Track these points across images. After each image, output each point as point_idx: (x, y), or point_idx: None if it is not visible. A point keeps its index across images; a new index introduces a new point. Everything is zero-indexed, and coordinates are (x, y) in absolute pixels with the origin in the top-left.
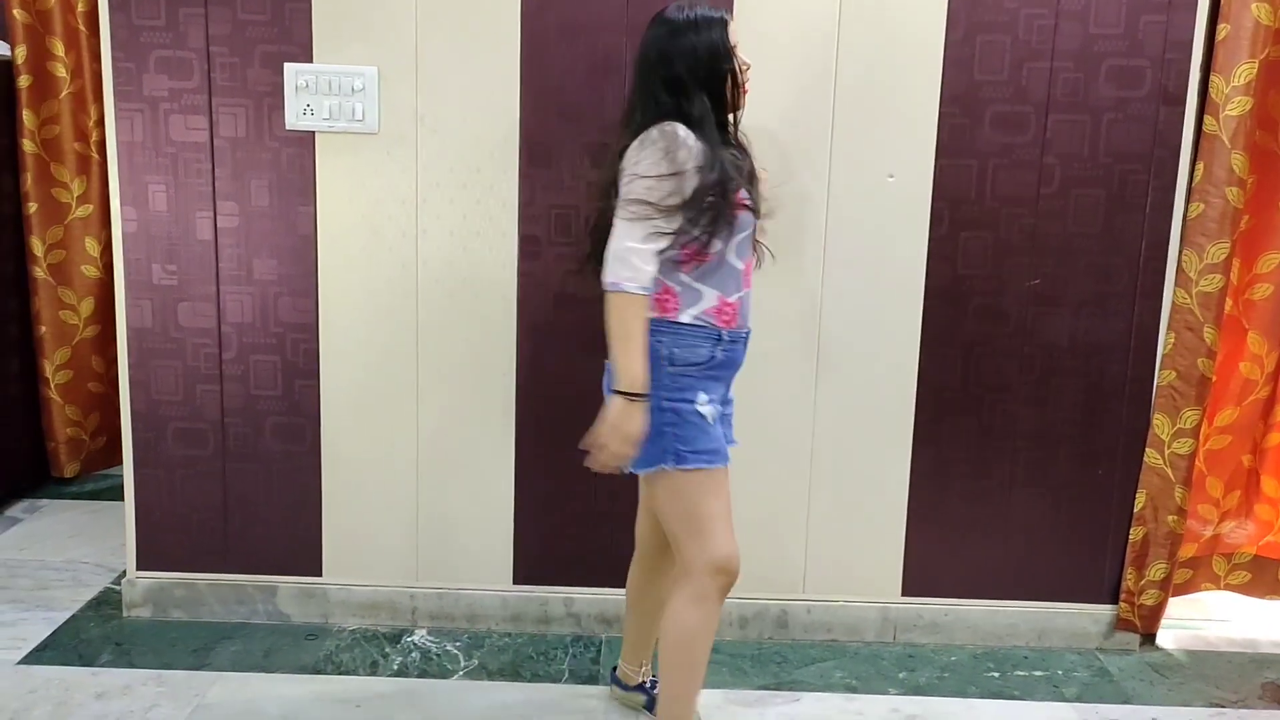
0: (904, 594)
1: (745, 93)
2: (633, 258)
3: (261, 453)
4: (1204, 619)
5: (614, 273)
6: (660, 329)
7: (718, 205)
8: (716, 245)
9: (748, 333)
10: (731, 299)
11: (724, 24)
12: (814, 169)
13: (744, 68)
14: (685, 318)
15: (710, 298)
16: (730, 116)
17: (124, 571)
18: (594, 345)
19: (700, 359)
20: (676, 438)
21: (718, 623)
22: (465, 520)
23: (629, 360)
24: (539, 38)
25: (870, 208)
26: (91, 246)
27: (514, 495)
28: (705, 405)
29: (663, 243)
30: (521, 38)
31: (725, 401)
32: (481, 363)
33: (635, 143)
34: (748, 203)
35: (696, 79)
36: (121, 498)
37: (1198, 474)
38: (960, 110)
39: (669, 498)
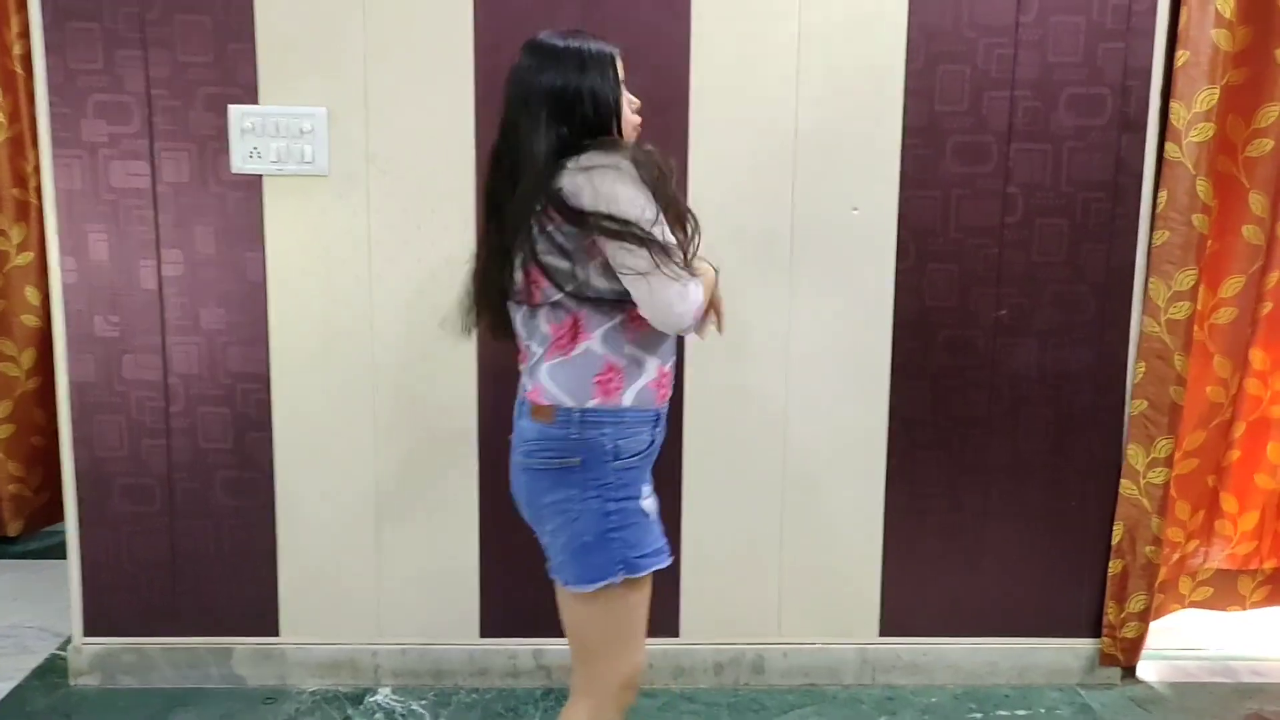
0: (882, 634)
1: (633, 134)
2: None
3: (212, 508)
4: (1182, 648)
5: (685, 306)
6: (604, 419)
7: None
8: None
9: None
10: (668, 366)
11: (606, 43)
12: (777, 203)
13: (633, 107)
14: (628, 399)
15: (651, 369)
16: None
17: (70, 637)
18: None
19: (641, 447)
20: (625, 543)
21: None
22: (428, 572)
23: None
24: (494, 74)
25: (836, 241)
26: (32, 295)
27: (479, 544)
28: (648, 499)
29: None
30: (475, 74)
31: None
32: (441, 409)
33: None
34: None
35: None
36: (67, 556)
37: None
38: (922, 141)
39: (602, 612)
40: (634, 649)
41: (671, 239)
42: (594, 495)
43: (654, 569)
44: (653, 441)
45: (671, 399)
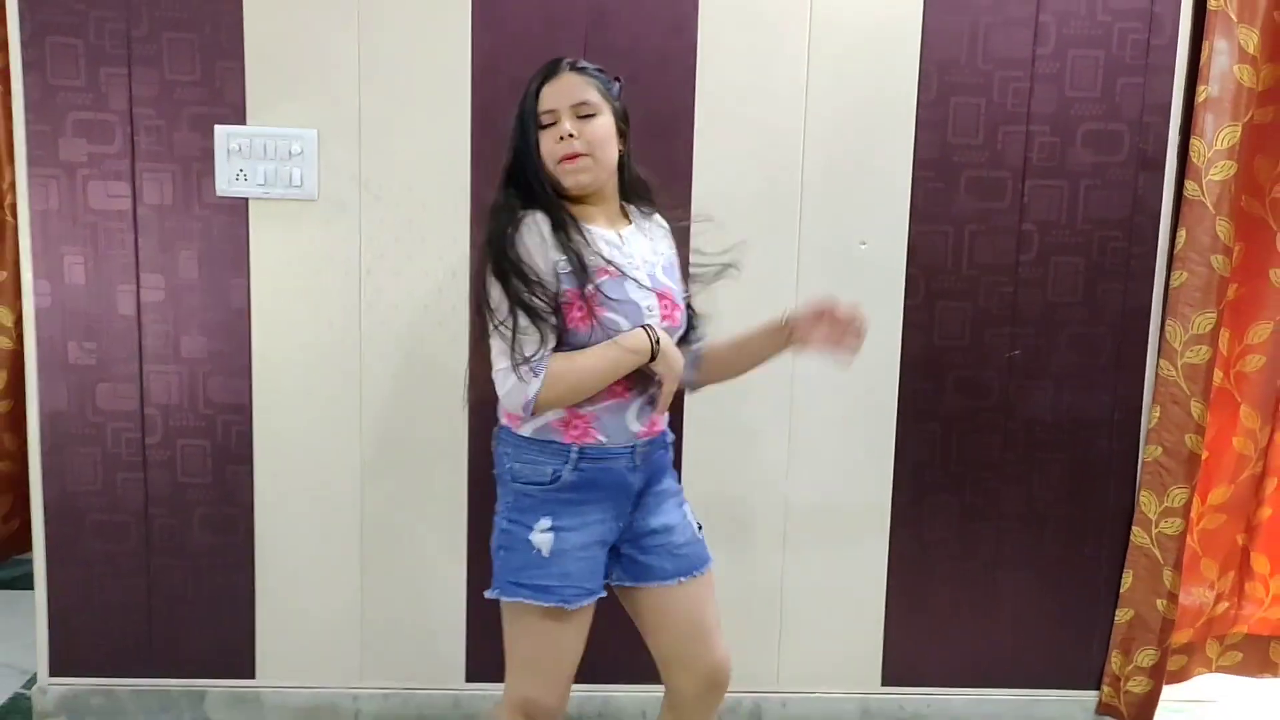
0: (884, 684)
1: (566, 163)
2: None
3: (189, 546)
4: (1192, 700)
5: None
6: (506, 439)
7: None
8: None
9: (631, 448)
10: (586, 410)
11: (533, 80)
12: (782, 235)
13: (562, 136)
14: (526, 430)
15: (556, 409)
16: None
17: (35, 675)
18: None
19: (543, 478)
20: (504, 563)
21: None
22: (414, 614)
23: (612, 367)
24: (491, 99)
25: (842, 276)
26: (5, 316)
27: (466, 584)
28: (542, 534)
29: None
30: (472, 99)
31: (638, 533)
32: (430, 445)
33: None
34: (605, 310)
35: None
36: (35, 592)
37: (1191, 555)
38: (934, 174)
39: (505, 622)
40: (522, 678)
41: (527, 328)
42: (501, 508)
43: (525, 600)
44: (558, 476)
45: (668, 438)
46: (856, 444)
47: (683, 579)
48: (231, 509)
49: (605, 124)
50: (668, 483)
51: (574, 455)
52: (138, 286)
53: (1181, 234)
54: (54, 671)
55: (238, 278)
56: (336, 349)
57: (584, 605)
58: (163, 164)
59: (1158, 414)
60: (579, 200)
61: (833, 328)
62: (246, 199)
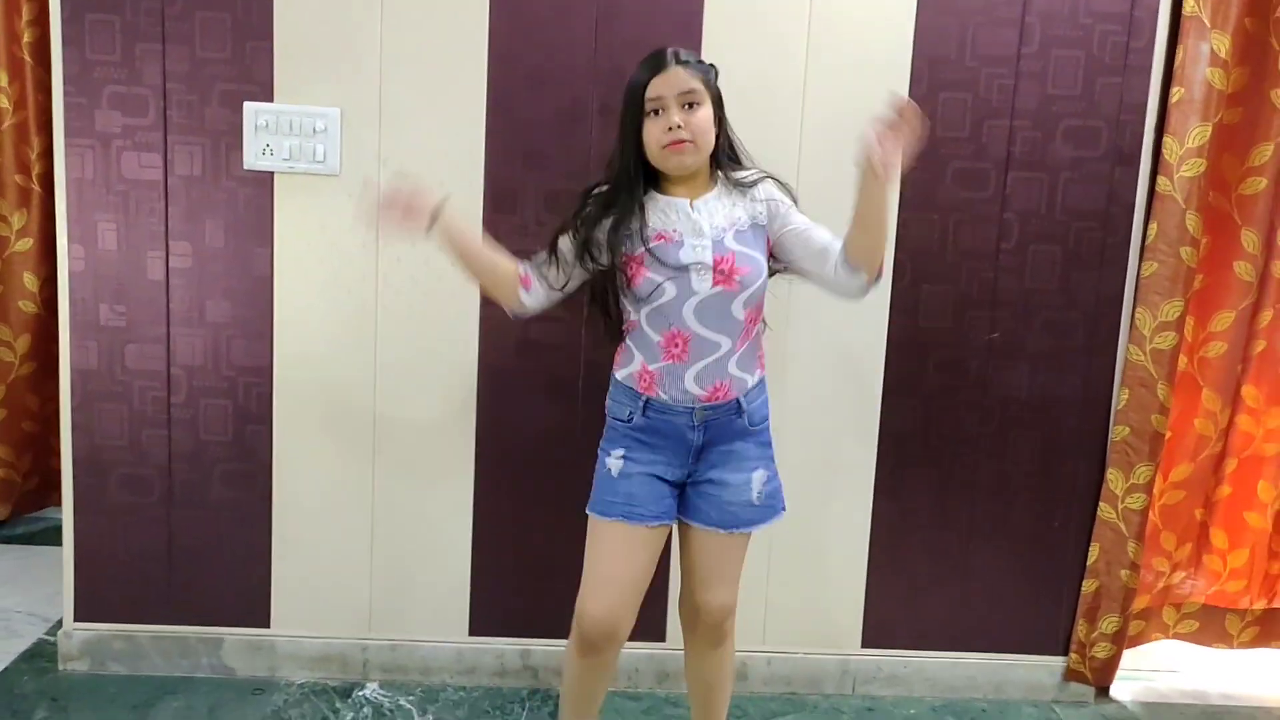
0: (864, 646)
1: (672, 149)
2: None
3: (210, 500)
4: (1155, 669)
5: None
6: (612, 382)
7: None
8: (628, 309)
9: (690, 409)
10: (651, 367)
11: (642, 71)
12: None
13: (671, 126)
14: (619, 375)
15: (636, 362)
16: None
17: (59, 621)
18: (555, 391)
19: (622, 415)
20: (596, 484)
21: (579, 674)
22: (420, 570)
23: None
24: (506, 83)
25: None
26: (30, 282)
27: (471, 544)
28: (614, 459)
29: None
30: (488, 83)
31: (698, 480)
32: (441, 409)
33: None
34: (648, 271)
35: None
36: (55, 542)
37: (1152, 528)
38: (922, 165)
39: None
40: (587, 585)
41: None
42: (601, 440)
43: (592, 514)
44: (632, 416)
45: (747, 404)
46: (844, 418)
47: (714, 529)
48: (250, 466)
49: (707, 113)
50: (739, 446)
51: (642, 404)
52: (167, 253)
53: (1153, 227)
54: (79, 617)
55: (262, 247)
56: (354, 316)
57: (644, 525)
58: (193, 137)
59: (1126, 396)
60: (668, 175)
61: (896, 135)
62: (272, 173)
